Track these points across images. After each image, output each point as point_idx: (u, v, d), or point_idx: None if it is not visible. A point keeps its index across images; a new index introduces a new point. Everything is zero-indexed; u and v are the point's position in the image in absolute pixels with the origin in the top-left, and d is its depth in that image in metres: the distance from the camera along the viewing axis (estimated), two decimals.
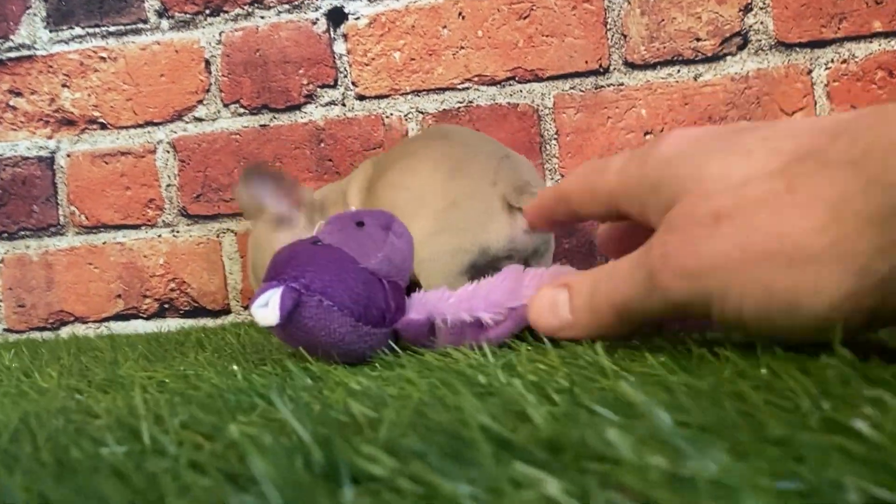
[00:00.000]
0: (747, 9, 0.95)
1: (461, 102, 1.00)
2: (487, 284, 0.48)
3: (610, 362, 0.32)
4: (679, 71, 0.96)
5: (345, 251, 0.47)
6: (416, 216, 0.65)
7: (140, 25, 1.04)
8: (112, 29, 1.05)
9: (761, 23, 0.95)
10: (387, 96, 1.00)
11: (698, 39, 0.96)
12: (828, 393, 0.25)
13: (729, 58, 0.95)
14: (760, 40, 0.95)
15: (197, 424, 0.28)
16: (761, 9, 0.95)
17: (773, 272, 0.31)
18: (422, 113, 1.00)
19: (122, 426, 0.29)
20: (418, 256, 0.57)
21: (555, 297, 0.38)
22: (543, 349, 0.41)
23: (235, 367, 0.43)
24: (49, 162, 1.07)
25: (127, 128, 1.05)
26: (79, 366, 0.57)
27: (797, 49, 0.95)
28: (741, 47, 0.95)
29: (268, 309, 0.43)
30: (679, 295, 0.33)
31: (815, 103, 0.96)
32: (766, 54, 0.95)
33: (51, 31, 1.06)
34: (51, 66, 1.07)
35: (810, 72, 0.96)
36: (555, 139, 0.98)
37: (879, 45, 0.94)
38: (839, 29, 0.95)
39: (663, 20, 0.96)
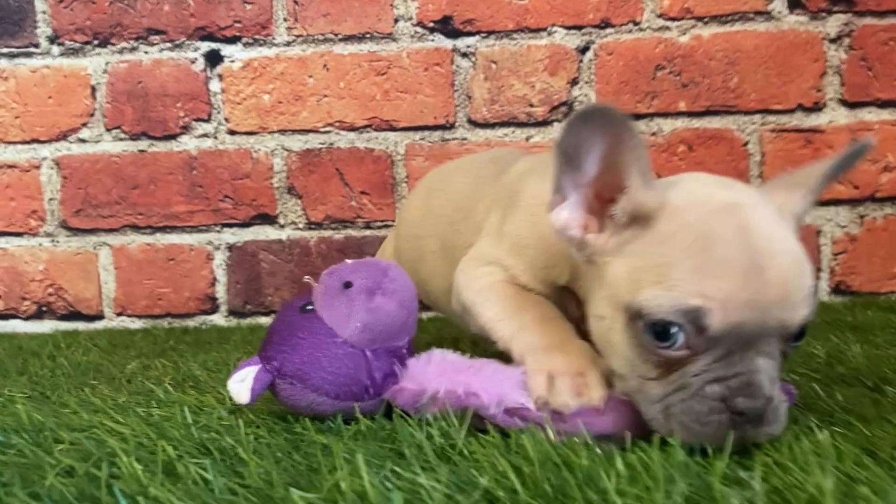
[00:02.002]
0: (574, 82, 1.09)
1: (323, 144, 1.11)
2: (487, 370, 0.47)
3: None
4: (514, 132, 1.10)
5: (325, 323, 0.47)
6: None
7: (32, 49, 1.12)
8: (4, 50, 1.12)
9: (586, 95, 1.09)
10: (255, 133, 1.11)
11: (531, 105, 1.10)
12: None
13: (556, 123, 1.09)
14: None
15: None
16: (587, 83, 1.09)
17: None
18: (287, 150, 1.11)
19: None
20: None
21: None
22: None
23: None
24: None
25: (14, 143, 1.13)
26: None
27: None
28: (567, 115, 1.09)
29: (242, 385, 0.46)
30: None
31: None
32: None
33: None
34: None
35: None
36: (405, 182, 1.11)
37: (683, 123, 1.09)
38: (651, 105, 1.10)
39: (503, 86, 1.10)
